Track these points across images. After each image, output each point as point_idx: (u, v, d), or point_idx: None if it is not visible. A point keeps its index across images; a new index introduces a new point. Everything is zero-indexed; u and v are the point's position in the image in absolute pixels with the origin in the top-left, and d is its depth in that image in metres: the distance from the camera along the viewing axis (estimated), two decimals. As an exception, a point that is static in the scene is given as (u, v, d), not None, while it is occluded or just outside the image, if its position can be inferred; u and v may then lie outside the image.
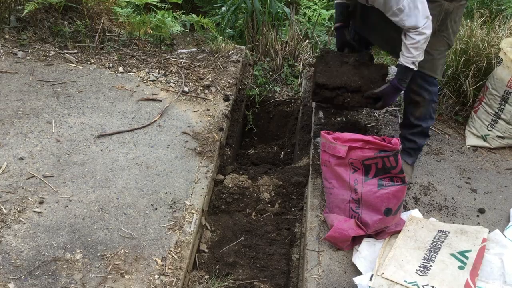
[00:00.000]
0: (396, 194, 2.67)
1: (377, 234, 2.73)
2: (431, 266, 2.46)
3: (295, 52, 4.95)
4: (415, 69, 2.89)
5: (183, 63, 4.31)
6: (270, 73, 4.78)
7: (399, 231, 2.73)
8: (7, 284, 2.37)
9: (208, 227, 3.04)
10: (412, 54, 2.83)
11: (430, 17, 2.75)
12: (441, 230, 2.72)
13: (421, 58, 2.86)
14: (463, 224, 2.90)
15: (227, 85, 4.12)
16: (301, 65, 4.86)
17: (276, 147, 4.18)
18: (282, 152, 4.08)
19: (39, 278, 2.42)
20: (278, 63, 4.79)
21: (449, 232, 2.68)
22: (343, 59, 3.33)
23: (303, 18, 5.73)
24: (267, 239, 2.94)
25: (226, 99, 3.93)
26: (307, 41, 5.07)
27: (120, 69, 4.10)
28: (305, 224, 2.95)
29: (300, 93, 4.49)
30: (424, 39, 2.78)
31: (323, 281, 2.55)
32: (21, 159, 3.06)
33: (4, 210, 2.73)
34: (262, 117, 4.41)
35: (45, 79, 3.79)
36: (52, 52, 4.11)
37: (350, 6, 3.28)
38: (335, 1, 3.36)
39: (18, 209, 2.75)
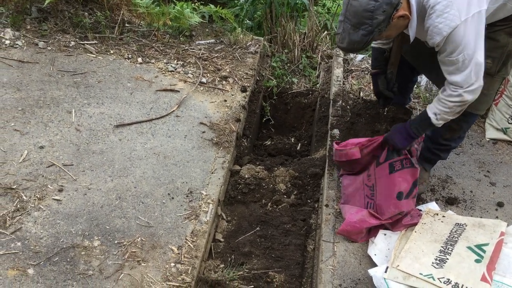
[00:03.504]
0: (406, 177, 2.68)
1: (393, 226, 2.72)
2: (447, 259, 2.44)
3: (313, 43, 4.93)
4: (435, 123, 2.57)
5: (201, 54, 4.33)
6: (288, 64, 4.77)
7: (415, 224, 2.71)
8: (27, 270, 2.42)
9: (224, 217, 3.06)
10: (440, 108, 2.50)
11: (481, 81, 2.36)
12: (458, 223, 2.69)
13: (446, 118, 2.54)
14: (481, 217, 2.86)
15: (245, 76, 4.13)
16: (319, 56, 4.84)
17: (293, 139, 4.18)
18: (299, 144, 4.07)
19: (58, 264, 2.46)
20: (296, 54, 4.78)
21: (466, 225, 2.65)
22: (374, 127, 3.04)
23: (322, 9, 5.70)
24: (282, 230, 2.95)
25: (244, 90, 3.94)
26: (325, 32, 5.04)
27: (139, 59, 4.13)
28: (321, 215, 2.95)
29: (317, 85, 4.47)
30: (459, 104, 2.44)
31: (338, 272, 2.55)
32: (42, 147, 3.12)
33: (24, 197, 2.78)
34: (279, 109, 4.41)
35: (65, 69, 3.85)
36: (73, 43, 4.16)
37: (387, 50, 2.92)
38: (372, 45, 2.97)
39: (38, 196, 2.80)
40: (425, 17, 2.31)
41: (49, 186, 2.88)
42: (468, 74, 2.32)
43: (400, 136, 2.69)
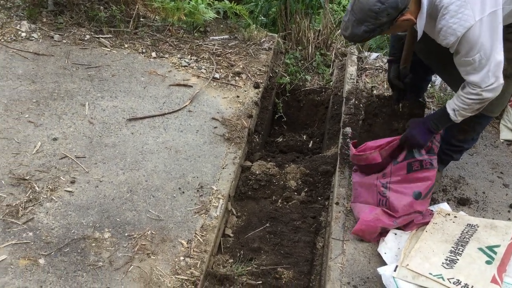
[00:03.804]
0: (425, 177, 2.67)
1: (405, 226, 2.70)
2: (457, 259, 2.42)
3: (327, 41, 4.91)
4: (453, 120, 2.55)
5: (215, 50, 4.33)
6: (302, 61, 4.75)
7: (426, 223, 2.70)
8: (38, 260, 2.45)
9: (234, 213, 3.07)
10: (459, 105, 2.48)
11: (502, 80, 2.33)
12: (470, 224, 2.67)
13: (465, 115, 2.52)
14: (493, 219, 2.83)
15: (258, 73, 4.13)
16: (333, 54, 4.82)
17: (305, 136, 4.17)
18: (311, 141, 4.06)
19: (68, 255, 2.49)
20: (310, 51, 4.76)
21: (478, 226, 2.63)
22: (392, 126, 3.02)
23: (337, 6, 5.66)
24: (292, 227, 2.95)
25: (257, 86, 3.94)
26: (340, 30, 5.01)
27: (153, 54, 4.15)
28: (331, 213, 2.94)
29: (331, 83, 4.46)
30: (479, 102, 2.41)
31: (346, 270, 2.54)
32: (55, 139, 3.15)
33: (37, 188, 2.81)
34: (292, 106, 4.40)
35: (80, 63, 3.88)
36: (88, 36, 4.19)
37: (404, 38, 2.86)
38: None
39: (50, 187, 2.83)
40: (437, 17, 2.28)
41: (61, 177, 2.90)
42: (485, 73, 2.29)
43: (419, 131, 2.66)
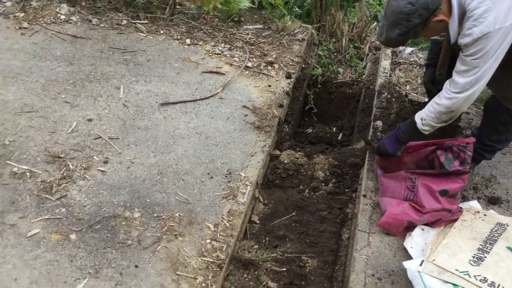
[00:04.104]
0: (456, 179, 2.65)
1: (433, 223, 2.68)
2: (485, 257, 2.39)
3: (362, 34, 4.87)
4: (420, 129, 2.56)
5: (249, 39, 4.35)
6: (335, 54, 4.73)
7: (455, 220, 2.67)
8: (69, 235, 2.53)
9: (261, 200, 3.10)
10: (427, 113, 2.50)
11: (476, 94, 2.37)
12: (499, 223, 2.62)
13: (432, 125, 2.52)
14: (524, 219, 2.78)
15: (291, 63, 4.13)
16: (367, 47, 4.78)
17: (334, 128, 4.16)
18: (341, 134, 4.05)
19: (99, 232, 2.56)
20: (343, 44, 4.73)
21: (508, 225, 2.59)
22: None
23: (373, 0, 5.60)
24: (318, 217, 2.96)
25: (288, 76, 3.94)
26: (375, 23, 4.96)
27: (188, 41, 4.19)
28: (358, 205, 2.94)
29: (363, 76, 4.42)
30: (446, 110, 2.42)
31: (371, 262, 2.54)
32: (90, 120, 3.23)
33: (71, 166, 2.90)
34: (323, 98, 4.39)
35: (116, 47, 3.95)
36: (125, 21, 4.26)
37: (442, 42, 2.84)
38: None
39: (84, 166, 2.91)
40: (463, 19, 2.28)
41: (95, 157, 2.98)
42: (470, 79, 2.31)
43: (389, 140, 2.73)
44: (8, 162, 2.85)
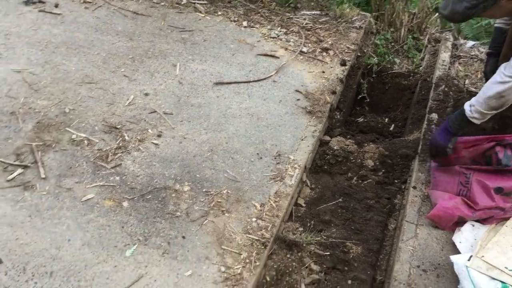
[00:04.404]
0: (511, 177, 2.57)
1: (484, 220, 2.61)
2: (537, 258, 2.31)
3: (422, 25, 4.75)
4: (469, 116, 2.47)
5: (305, 24, 4.33)
6: (392, 43, 4.64)
7: (507, 219, 2.59)
8: (122, 202, 2.62)
9: (308, 184, 3.10)
10: (478, 99, 2.39)
11: None
12: (555, 225, 2.53)
13: (481, 112, 2.41)
14: None
15: (346, 50, 4.08)
16: (426, 39, 4.66)
17: (387, 119, 4.09)
18: (393, 125, 3.98)
19: (150, 202, 2.64)
20: (402, 34, 4.63)
21: None
22: (479, 125, 2.72)
23: (436, -9, 5.44)
24: (365, 205, 2.94)
25: (343, 63, 3.91)
26: (436, 14, 4.82)
27: (244, 23, 4.22)
28: (407, 196, 2.89)
29: (420, 68, 4.32)
30: (495, 94, 2.32)
31: (417, 253, 2.51)
32: (146, 94, 3.31)
33: (126, 137, 2.99)
34: (376, 87, 4.32)
35: (175, 26, 4.03)
36: (184, 1, 4.34)
37: (506, 32, 2.73)
38: (495, 24, 2.89)
39: (139, 138, 3.00)
40: None
41: (149, 130, 3.06)
42: None
43: (439, 131, 2.63)
44: (68, 129, 2.98)
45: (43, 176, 2.67)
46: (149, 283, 2.25)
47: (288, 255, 2.59)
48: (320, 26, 4.34)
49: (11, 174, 2.66)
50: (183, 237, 2.49)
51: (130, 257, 2.36)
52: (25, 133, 2.91)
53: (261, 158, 3.01)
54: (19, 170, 2.69)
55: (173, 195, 2.70)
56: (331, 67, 3.86)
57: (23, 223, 2.43)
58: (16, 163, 2.72)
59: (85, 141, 2.91)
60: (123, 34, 3.81)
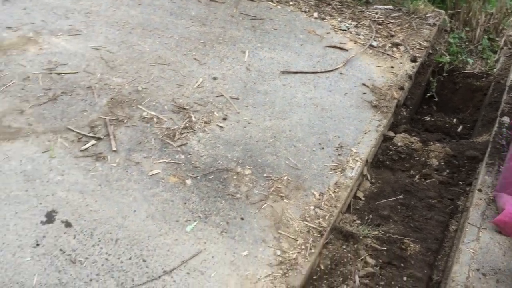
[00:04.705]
0: None
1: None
2: None
3: (499, 26, 4.56)
4: None
5: (377, 18, 4.27)
6: (466, 43, 4.49)
7: None
8: (185, 180, 2.71)
9: (368, 178, 3.08)
10: None
11: None
12: None
13: None
14: None
15: (417, 47, 4.00)
16: (502, 41, 4.47)
17: (455, 120, 3.97)
18: (461, 126, 3.87)
19: (212, 182, 2.72)
20: (477, 34, 4.47)
21: None
22: None
23: (516, -9, 5.21)
24: (426, 204, 2.89)
25: (413, 60, 3.83)
26: (516, 15, 4.63)
27: (315, 14, 4.22)
28: (471, 199, 2.81)
29: (494, 70, 4.16)
30: None
31: (478, 257, 2.44)
32: (214, 78, 3.40)
33: (193, 118, 3.09)
34: (446, 87, 4.20)
35: (246, 13, 4.09)
36: (257, -11, 4.39)
37: None
38: None
39: (205, 120, 3.08)
40: None
41: (215, 113, 3.14)
42: None
43: None
44: (139, 106, 3.11)
45: (114, 149, 2.81)
46: (206, 258, 2.33)
47: (344, 246, 2.60)
48: (392, 21, 4.27)
49: (85, 144, 2.81)
50: (242, 219, 2.54)
51: (190, 233, 2.44)
52: (100, 107, 3.07)
53: (323, 148, 3.02)
54: (92, 142, 2.84)
55: (235, 177, 2.76)
56: (401, 63, 3.80)
57: (93, 191, 2.57)
58: (90, 134, 2.88)
59: (155, 119, 3.03)
60: (196, 19, 3.92)
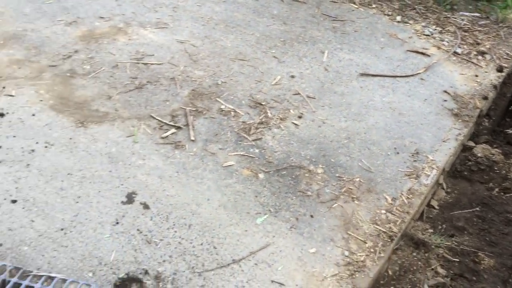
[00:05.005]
0: None
1: None
2: None
3: None
4: None
5: (463, 25, 4.14)
6: (559, 55, 4.25)
7: None
8: (258, 174, 2.76)
9: (444, 187, 2.99)
10: None
11: None
12: None
13: None
14: None
15: (505, 56, 3.83)
16: None
17: (542, 135, 3.77)
18: (548, 142, 3.66)
19: (284, 177, 2.75)
20: None
21: None
22: None
23: None
24: (504, 218, 2.77)
25: (500, 70, 3.67)
26: None
27: (398, 18, 4.16)
28: (555, 217, 2.67)
29: None
30: None
31: (558, 278, 2.32)
32: (292, 77, 3.43)
33: (269, 114, 3.14)
34: (534, 100, 4.00)
35: (328, 14, 4.10)
36: (340, -9, 4.39)
37: None
38: None
39: (280, 117, 3.13)
40: None
41: (291, 110, 3.18)
42: None
43: None
44: (218, 99, 3.20)
45: (192, 138, 2.91)
46: (274, 252, 2.36)
47: (414, 254, 2.55)
48: (478, 29, 4.12)
49: (165, 132, 2.94)
50: (311, 216, 2.56)
51: (260, 225, 2.49)
52: (181, 98, 3.19)
53: (398, 153, 2.97)
54: (173, 130, 2.95)
55: (307, 175, 2.78)
56: (486, 72, 3.66)
57: (171, 177, 2.68)
58: (171, 123, 3.00)
59: (232, 113, 3.11)
60: (277, 17, 3.97)
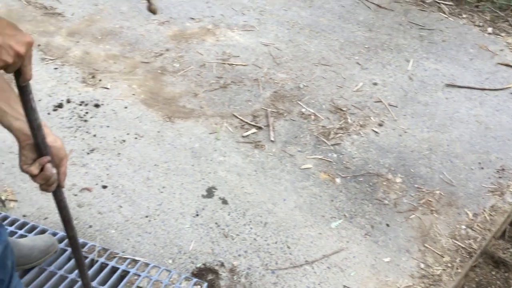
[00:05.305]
0: None
1: None
2: None
3: None
4: None
5: (561, 39, 3.92)
6: None
7: None
8: (335, 178, 2.77)
9: (530, 208, 2.86)
10: None
11: None
12: None
13: None
14: None
15: None
16: None
17: None
18: None
19: (361, 184, 2.75)
20: None
21: None
22: None
23: None
24: None
25: None
26: None
27: (489, 30, 4.01)
28: None
29: None
30: None
31: None
32: (375, 84, 3.41)
33: (349, 120, 3.14)
34: None
35: (415, 22, 4.03)
36: (429, 0, 4.28)
37: None
38: None
39: (361, 123, 3.12)
40: None
41: (371, 118, 3.16)
42: None
43: None
44: (299, 102, 3.24)
45: (272, 139, 2.97)
46: (348, 257, 2.37)
47: (493, 273, 2.45)
48: None
49: (246, 131, 3.02)
50: (387, 225, 2.53)
51: (334, 229, 2.50)
52: (263, 99, 3.27)
53: (482, 168, 2.87)
54: (253, 130, 3.03)
55: (384, 183, 2.76)
56: None
57: (249, 175, 2.75)
58: (252, 123, 3.08)
59: (312, 116, 3.14)
60: (363, 24, 3.96)
